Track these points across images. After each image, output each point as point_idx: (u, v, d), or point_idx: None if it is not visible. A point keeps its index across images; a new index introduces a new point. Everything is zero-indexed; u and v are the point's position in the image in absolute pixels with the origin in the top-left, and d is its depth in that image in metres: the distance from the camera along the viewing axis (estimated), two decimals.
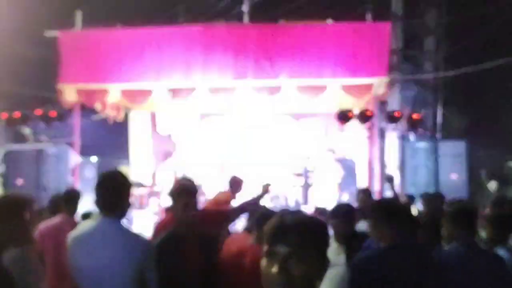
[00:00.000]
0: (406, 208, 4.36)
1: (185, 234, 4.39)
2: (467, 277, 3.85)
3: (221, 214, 6.15)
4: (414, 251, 3.75)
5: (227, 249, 4.71)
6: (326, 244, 2.13)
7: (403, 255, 3.66)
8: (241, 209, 6.00)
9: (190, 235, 4.37)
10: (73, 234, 3.97)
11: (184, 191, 4.51)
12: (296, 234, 1.99)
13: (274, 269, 1.95)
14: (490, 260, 4.07)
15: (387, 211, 3.85)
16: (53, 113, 12.60)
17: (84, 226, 4.03)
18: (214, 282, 4.55)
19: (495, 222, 4.51)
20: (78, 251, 3.90)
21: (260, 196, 6.17)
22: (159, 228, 5.26)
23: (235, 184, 7.50)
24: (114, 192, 3.92)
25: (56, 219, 6.20)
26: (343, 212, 5.25)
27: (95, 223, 3.92)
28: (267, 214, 4.34)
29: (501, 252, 4.39)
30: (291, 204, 12.98)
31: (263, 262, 2.00)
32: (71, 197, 6.53)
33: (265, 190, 6.32)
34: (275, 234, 2.00)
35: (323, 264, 2.08)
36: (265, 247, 2.01)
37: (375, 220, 3.88)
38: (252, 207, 5.76)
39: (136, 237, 3.95)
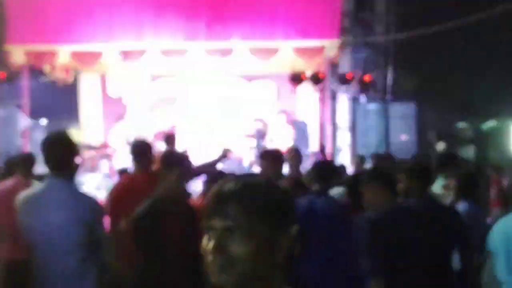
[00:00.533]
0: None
1: (171, 210, 4.31)
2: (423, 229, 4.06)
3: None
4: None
5: None
6: (283, 217, 1.63)
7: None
8: (198, 170, 6.00)
9: (175, 211, 4.30)
10: (22, 195, 4.00)
11: (178, 161, 4.53)
12: (237, 203, 1.58)
13: (209, 247, 1.57)
14: (445, 212, 4.27)
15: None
16: (1, 75, 12.34)
17: (34, 188, 4.08)
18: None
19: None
20: (28, 212, 3.92)
21: (218, 160, 6.18)
22: (117, 190, 5.33)
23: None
24: (61, 153, 3.93)
25: (10, 182, 6.12)
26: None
27: (44, 184, 3.96)
28: (220, 176, 4.36)
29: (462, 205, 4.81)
30: (245, 166, 13.06)
31: (203, 239, 1.61)
32: (26, 160, 6.43)
33: (224, 154, 6.35)
34: (214, 204, 1.60)
35: (278, 244, 1.61)
36: (203, 220, 1.62)
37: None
38: (210, 170, 5.81)
39: (85, 197, 4.00)
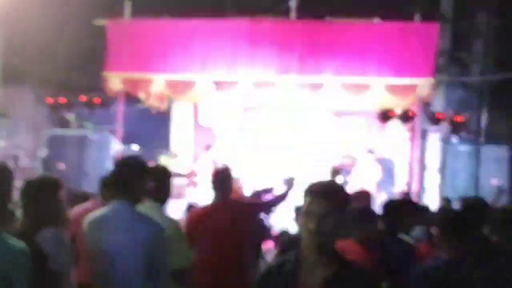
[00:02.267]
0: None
1: None
2: None
3: (255, 205, 6.16)
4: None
5: None
6: (346, 206, 2.61)
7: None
8: (273, 203, 6.05)
9: None
10: (88, 218, 4.01)
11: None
12: (327, 199, 2.46)
13: (311, 225, 2.43)
14: None
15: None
16: (97, 100, 12.87)
17: (99, 210, 4.07)
18: None
19: None
20: (92, 235, 3.95)
21: (288, 190, 6.10)
22: (191, 219, 5.38)
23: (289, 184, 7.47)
24: (127, 176, 3.95)
25: (88, 203, 6.09)
26: None
27: (109, 207, 3.97)
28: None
29: None
30: None
31: (302, 219, 2.49)
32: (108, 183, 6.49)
33: (291, 183, 6.40)
34: (316, 195, 2.48)
35: (342, 222, 2.54)
36: (304, 206, 2.49)
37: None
38: (281, 201, 5.90)
39: (148, 222, 3.92)
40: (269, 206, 6.10)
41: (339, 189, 2.65)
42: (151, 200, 4.39)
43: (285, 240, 6.56)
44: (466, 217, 3.81)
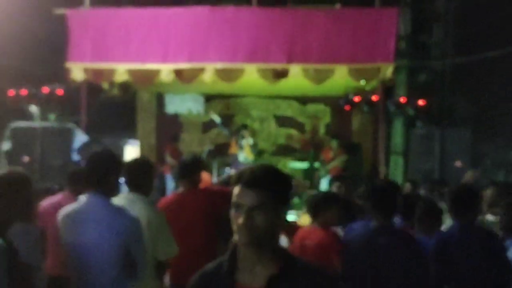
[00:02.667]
0: None
1: None
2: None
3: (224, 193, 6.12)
4: None
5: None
6: (286, 198, 2.27)
7: None
8: None
9: None
10: (63, 211, 4.03)
11: None
12: (259, 189, 2.14)
13: (240, 220, 2.13)
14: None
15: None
16: (60, 91, 12.59)
17: (74, 204, 4.09)
18: None
19: None
20: (67, 228, 3.97)
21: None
22: (162, 208, 5.31)
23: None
24: (102, 170, 3.97)
25: (57, 197, 6.15)
26: None
27: (83, 200, 3.98)
28: None
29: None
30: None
31: (231, 212, 2.18)
32: (76, 175, 6.33)
33: None
34: (241, 188, 2.17)
35: (282, 216, 2.25)
36: (233, 199, 2.17)
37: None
38: None
39: (123, 215, 3.96)
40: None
41: (275, 175, 2.24)
42: (135, 193, 4.44)
43: None
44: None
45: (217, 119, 14.04)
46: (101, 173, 3.95)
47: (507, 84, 15.13)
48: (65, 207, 4.09)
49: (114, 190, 4.05)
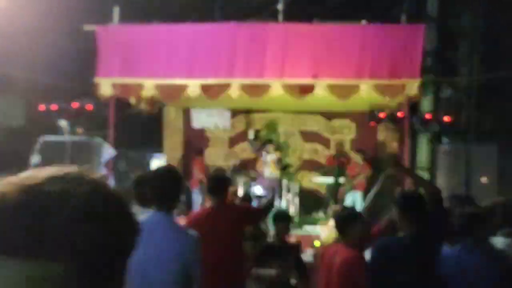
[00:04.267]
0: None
1: None
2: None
3: (251, 211, 6.33)
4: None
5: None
6: None
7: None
8: (264, 211, 6.22)
9: None
10: None
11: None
12: None
13: None
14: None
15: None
16: (89, 106, 12.88)
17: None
18: None
19: None
20: None
21: (273, 198, 6.61)
22: (189, 223, 5.43)
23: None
24: (170, 186, 4.00)
25: None
26: None
27: (147, 216, 3.97)
28: None
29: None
30: None
31: None
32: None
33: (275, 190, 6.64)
34: None
35: None
36: None
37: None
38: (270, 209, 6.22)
39: (185, 233, 4.01)
40: (260, 214, 6.17)
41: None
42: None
43: None
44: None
45: (251, 135, 14.07)
46: (173, 191, 4.00)
47: None
48: None
49: (176, 206, 4.09)
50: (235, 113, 15.51)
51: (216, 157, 15.67)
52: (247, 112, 15.57)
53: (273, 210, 6.51)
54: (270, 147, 13.66)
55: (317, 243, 8.32)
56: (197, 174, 13.75)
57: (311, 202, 14.27)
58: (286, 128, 15.65)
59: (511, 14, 13.18)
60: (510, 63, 12.86)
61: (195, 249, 3.98)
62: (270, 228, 7.42)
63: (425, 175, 12.71)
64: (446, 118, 12.32)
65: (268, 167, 13.52)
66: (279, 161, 13.52)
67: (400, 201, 4.70)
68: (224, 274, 5.31)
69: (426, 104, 13.02)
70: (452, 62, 13.68)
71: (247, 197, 8.67)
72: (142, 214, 4.07)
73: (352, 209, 6.15)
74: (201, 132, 15.80)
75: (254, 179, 13.33)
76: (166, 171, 4.16)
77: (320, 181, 14.28)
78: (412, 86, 11.55)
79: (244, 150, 15.48)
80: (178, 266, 3.87)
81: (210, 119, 15.46)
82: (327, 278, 4.88)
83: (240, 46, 11.81)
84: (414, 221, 4.55)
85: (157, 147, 14.90)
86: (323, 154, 15.39)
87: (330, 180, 13.81)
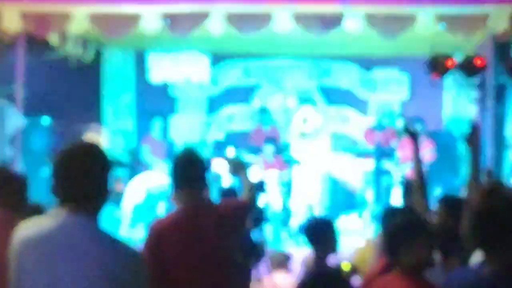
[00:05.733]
0: None
1: None
2: None
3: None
4: None
5: None
6: None
7: None
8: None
9: None
10: (22, 233, 4.07)
11: None
12: None
13: None
14: None
15: None
16: None
17: (38, 224, 4.10)
18: None
19: None
20: (29, 261, 3.99)
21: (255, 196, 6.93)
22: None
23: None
24: (100, 176, 4.05)
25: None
26: None
27: (56, 220, 3.99)
28: None
29: None
30: None
31: None
32: (15, 184, 6.69)
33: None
34: None
35: None
36: None
37: None
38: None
39: (114, 242, 4.06)
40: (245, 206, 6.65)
41: None
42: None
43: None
44: None
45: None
46: (89, 181, 4.00)
47: None
48: (25, 228, 4.15)
49: (101, 205, 4.12)
50: (217, 59, 16.13)
51: (188, 129, 16.29)
52: (237, 58, 16.27)
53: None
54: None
55: (346, 266, 8.04)
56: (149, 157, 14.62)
57: (338, 198, 14.83)
58: (299, 84, 16.28)
59: None
60: None
61: (132, 263, 4.03)
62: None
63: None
64: None
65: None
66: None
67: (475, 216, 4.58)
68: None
69: None
70: None
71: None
72: (51, 215, 4.13)
73: (410, 213, 6.54)
74: (163, 90, 16.55)
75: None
76: (78, 150, 4.12)
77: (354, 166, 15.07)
78: (499, 17, 11.75)
79: (232, 118, 16.33)
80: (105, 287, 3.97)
81: (178, 69, 15.98)
82: None
83: None
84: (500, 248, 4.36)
85: (93, 113, 15.28)
86: (358, 125, 16.05)
87: (367, 165, 14.38)
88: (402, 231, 5.01)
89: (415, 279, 4.87)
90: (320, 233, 7.09)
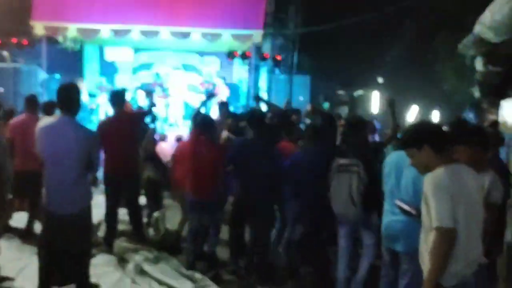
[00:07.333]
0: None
1: None
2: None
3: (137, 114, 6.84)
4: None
5: None
6: None
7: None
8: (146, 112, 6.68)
9: None
10: (40, 125, 4.07)
11: None
12: None
13: None
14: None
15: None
16: (25, 42, 13.36)
17: (48, 121, 4.11)
18: None
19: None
20: (44, 139, 4.02)
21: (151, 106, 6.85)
22: (101, 127, 6.07)
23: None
24: (71, 96, 4.06)
25: (23, 116, 6.26)
26: None
27: (57, 119, 4.06)
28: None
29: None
30: None
31: None
32: (33, 101, 6.49)
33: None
34: None
35: None
36: None
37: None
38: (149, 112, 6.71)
39: (85, 130, 4.12)
40: (144, 114, 6.68)
41: None
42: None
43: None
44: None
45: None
46: (71, 98, 4.05)
47: (337, 47, 17.28)
48: (41, 123, 4.11)
49: (77, 111, 4.10)
50: (136, 51, 15.80)
51: (124, 81, 15.55)
52: (145, 50, 15.65)
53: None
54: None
55: None
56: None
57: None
58: (171, 63, 15.58)
59: None
60: (323, 23, 15.02)
61: (93, 141, 4.14)
62: None
63: (264, 95, 14.03)
64: (278, 57, 14.12)
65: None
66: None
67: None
68: (123, 160, 6.03)
69: (266, 47, 14.35)
70: (284, 20, 15.46)
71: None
72: (49, 119, 4.13)
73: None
74: (112, 63, 15.96)
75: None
76: (67, 85, 4.18)
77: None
78: (258, 35, 12.77)
79: (144, 77, 15.60)
80: (81, 152, 3.97)
81: (119, 54, 15.81)
82: None
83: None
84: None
85: (79, 73, 15.30)
86: (197, 80, 15.42)
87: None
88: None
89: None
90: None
